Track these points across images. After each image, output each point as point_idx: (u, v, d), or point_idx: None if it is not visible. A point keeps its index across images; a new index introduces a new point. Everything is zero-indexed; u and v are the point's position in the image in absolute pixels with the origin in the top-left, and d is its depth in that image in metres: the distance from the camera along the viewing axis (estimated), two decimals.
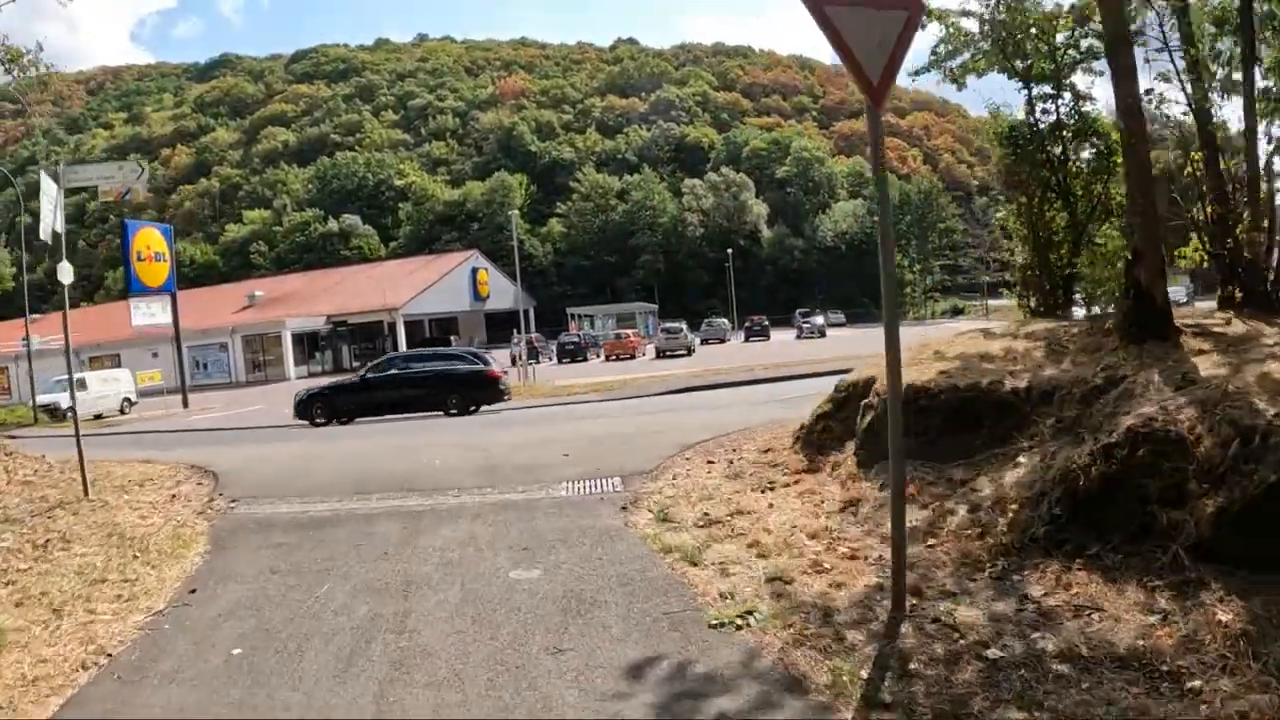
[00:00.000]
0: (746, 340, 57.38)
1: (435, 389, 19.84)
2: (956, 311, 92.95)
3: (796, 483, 7.32)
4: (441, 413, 19.48)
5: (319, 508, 7.78)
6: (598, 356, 47.84)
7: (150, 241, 32.33)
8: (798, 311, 77.94)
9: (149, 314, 32.49)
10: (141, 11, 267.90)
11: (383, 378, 20.52)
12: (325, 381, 25.62)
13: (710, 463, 8.47)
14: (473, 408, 19.82)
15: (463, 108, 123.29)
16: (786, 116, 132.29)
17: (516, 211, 52.50)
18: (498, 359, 22.92)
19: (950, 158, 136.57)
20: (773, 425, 10.36)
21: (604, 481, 7.98)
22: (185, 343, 54.07)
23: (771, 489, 7.28)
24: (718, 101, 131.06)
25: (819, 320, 59.02)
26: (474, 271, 64.13)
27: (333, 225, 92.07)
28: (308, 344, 53.44)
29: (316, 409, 20.19)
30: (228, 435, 19.20)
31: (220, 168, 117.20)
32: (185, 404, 33.71)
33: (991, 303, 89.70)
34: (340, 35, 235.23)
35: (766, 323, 59.64)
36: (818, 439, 8.03)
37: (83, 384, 35.98)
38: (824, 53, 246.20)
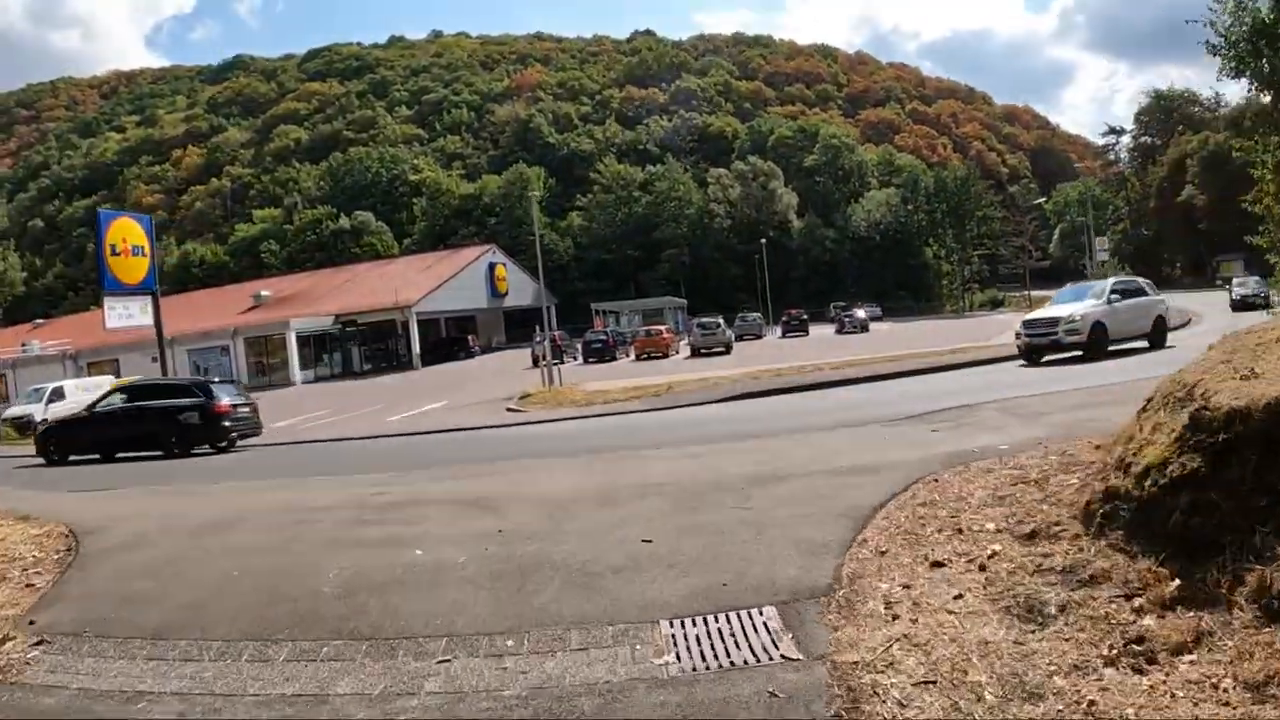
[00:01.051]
0: (784, 336, 53.35)
1: (154, 426, 17.46)
2: (996, 303, 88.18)
3: (1198, 643, 3.26)
4: (163, 454, 16.86)
5: (165, 688, 3.80)
6: (626, 355, 43.90)
7: (128, 233, 28.46)
8: (833, 304, 73.86)
9: (126, 315, 28.60)
10: (158, 16, 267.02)
11: (106, 412, 18.41)
12: (67, 413, 23.42)
13: (938, 565, 4.38)
14: (219, 445, 17.33)
15: (478, 102, 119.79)
16: (810, 105, 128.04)
17: (536, 193, 48.50)
18: (250, 393, 20.75)
19: (980, 145, 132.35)
20: (964, 466, 6.33)
21: (747, 624, 3.86)
22: (185, 346, 50.91)
23: (1153, 663, 3.23)
24: (740, 91, 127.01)
25: (861, 314, 54.65)
26: (491, 267, 60.29)
27: (345, 222, 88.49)
28: (314, 345, 49.81)
29: (52, 446, 18.20)
30: (163, 467, 15.38)
31: (231, 167, 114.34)
32: None
33: (1035, 293, 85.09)
34: (356, 35, 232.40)
35: (805, 317, 55.46)
36: (1180, 529, 3.95)
37: (60, 393, 32.74)
38: (846, 41, 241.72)
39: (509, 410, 20.00)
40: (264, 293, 58.86)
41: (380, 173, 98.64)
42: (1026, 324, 20.12)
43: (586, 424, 15.06)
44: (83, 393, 33.50)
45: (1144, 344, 19.16)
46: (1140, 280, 21.36)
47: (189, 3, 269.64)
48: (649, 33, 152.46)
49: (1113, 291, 19.40)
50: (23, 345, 58.98)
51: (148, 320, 29.99)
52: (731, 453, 8.50)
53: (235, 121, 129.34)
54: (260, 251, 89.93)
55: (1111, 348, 18.32)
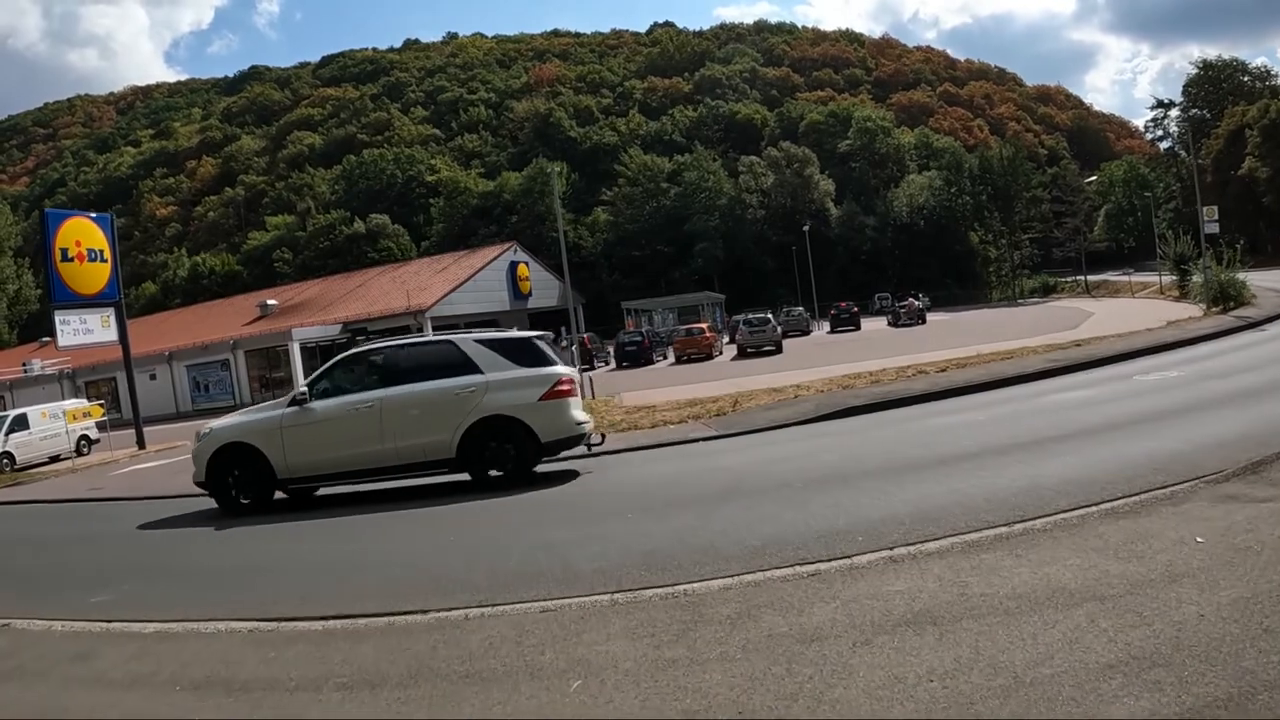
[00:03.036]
0: (832, 331, 48.55)
1: None
2: (1048, 289, 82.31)
3: None
4: None
5: None
6: (664, 358, 39.29)
7: (81, 235, 24.44)
8: (877, 296, 69.15)
9: (83, 330, 24.60)
10: (176, 32, 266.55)
11: None
12: None
13: None
14: None
15: (495, 99, 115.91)
16: (840, 90, 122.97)
17: (556, 169, 43.89)
18: None
19: (1016, 126, 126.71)
20: None
21: None
22: (184, 361, 47.11)
23: None
24: (766, 77, 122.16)
25: (917, 304, 49.57)
26: (513, 266, 55.74)
27: (359, 226, 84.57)
28: (322, 357, 45.66)
29: None
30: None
31: (246, 176, 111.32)
32: (141, 443, 25.85)
33: (1091, 278, 79.08)
34: (371, 42, 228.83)
35: (855, 309, 50.52)
36: None
37: (23, 422, 28.55)
38: (867, 30, 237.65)
39: None
40: (270, 302, 54.94)
41: (396, 174, 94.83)
42: None
43: (638, 472, 10.35)
44: (50, 420, 29.37)
45: None
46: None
47: (207, 18, 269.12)
48: (669, 24, 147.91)
49: None
50: (23, 365, 55.68)
51: (110, 335, 25.92)
52: (1041, 606, 3.72)
53: (249, 130, 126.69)
54: (273, 260, 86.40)
55: None
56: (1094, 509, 5.36)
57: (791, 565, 4.73)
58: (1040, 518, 5.26)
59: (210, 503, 10.46)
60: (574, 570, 5.29)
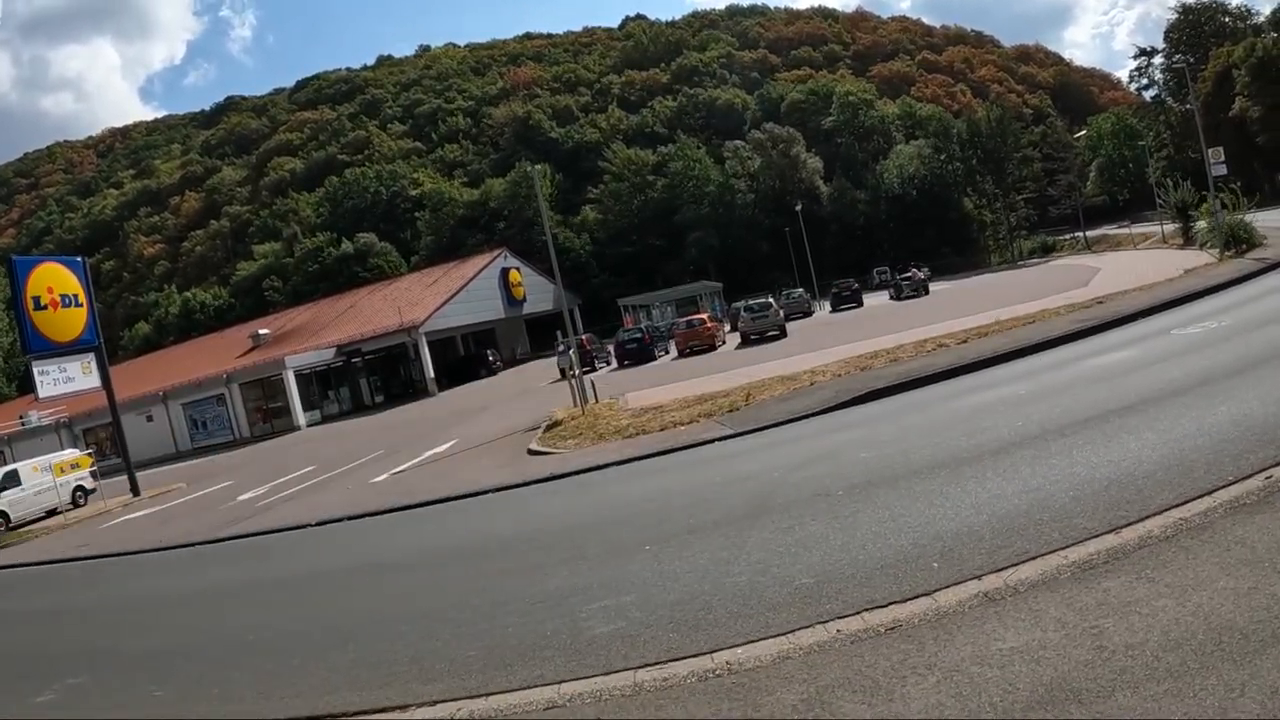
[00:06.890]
0: (834, 310, 47.41)
1: None
2: (1048, 249, 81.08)
3: None
4: None
5: None
6: (665, 353, 38.27)
7: (54, 282, 23.48)
8: (876, 270, 68.45)
9: (63, 379, 23.64)
10: (149, 69, 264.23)
11: None
12: None
13: None
14: None
15: (473, 107, 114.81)
16: (818, 67, 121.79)
17: (540, 169, 42.87)
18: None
19: (999, 88, 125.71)
20: None
21: None
22: (179, 400, 46.18)
23: None
24: (744, 61, 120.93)
25: (920, 275, 48.55)
26: (504, 272, 54.71)
27: (347, 247, 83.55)
28: (318, 382, 44.77)
29: None
30: None
31: (230, 207, 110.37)
32: (135, 490, 24.97)
33: (1090, 233, 77.85)
34: (345, 61, 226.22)
35: (856, 286, 49.44)
36: None
37: (15, 478, 27.63)
38: (841, 4, 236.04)
39: (531, 452, 14.51)
40: (262, 331, 53.98)
41: (379, 191, 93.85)
42: None
43: (651, 486, 9.39)
44: (41, 474, 28.47)
45: None
46: None
47: (179, 51, 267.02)
48: (640, 17, 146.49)
49: None
50: (20, 418, 54.76)
51: (93, 382, 24.97)
52: None
53: (230, 161, 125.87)
54: (264, 289, 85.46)
55: None
56: (1212, 501, 4.39)
57: (859, 612, 3.76)
58: (1149, 518, 4.29)
59: (186, 554, 9.52)
60: (585, 635, 4.33)
